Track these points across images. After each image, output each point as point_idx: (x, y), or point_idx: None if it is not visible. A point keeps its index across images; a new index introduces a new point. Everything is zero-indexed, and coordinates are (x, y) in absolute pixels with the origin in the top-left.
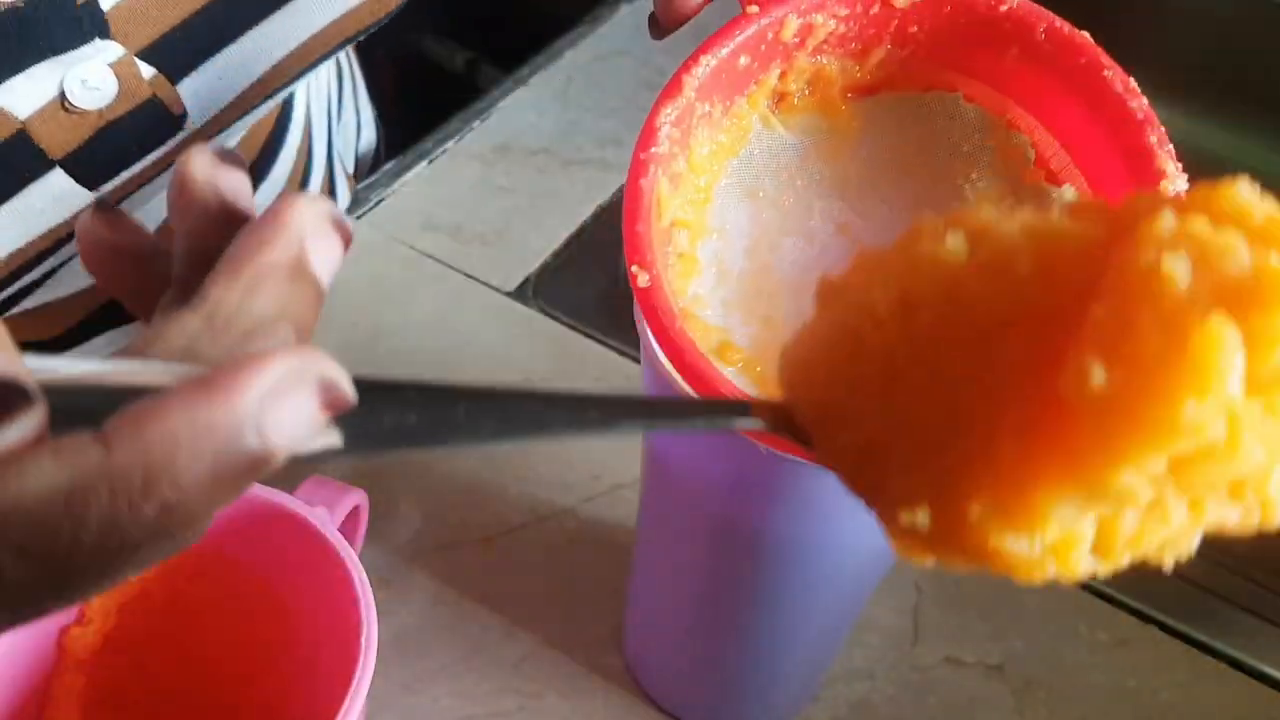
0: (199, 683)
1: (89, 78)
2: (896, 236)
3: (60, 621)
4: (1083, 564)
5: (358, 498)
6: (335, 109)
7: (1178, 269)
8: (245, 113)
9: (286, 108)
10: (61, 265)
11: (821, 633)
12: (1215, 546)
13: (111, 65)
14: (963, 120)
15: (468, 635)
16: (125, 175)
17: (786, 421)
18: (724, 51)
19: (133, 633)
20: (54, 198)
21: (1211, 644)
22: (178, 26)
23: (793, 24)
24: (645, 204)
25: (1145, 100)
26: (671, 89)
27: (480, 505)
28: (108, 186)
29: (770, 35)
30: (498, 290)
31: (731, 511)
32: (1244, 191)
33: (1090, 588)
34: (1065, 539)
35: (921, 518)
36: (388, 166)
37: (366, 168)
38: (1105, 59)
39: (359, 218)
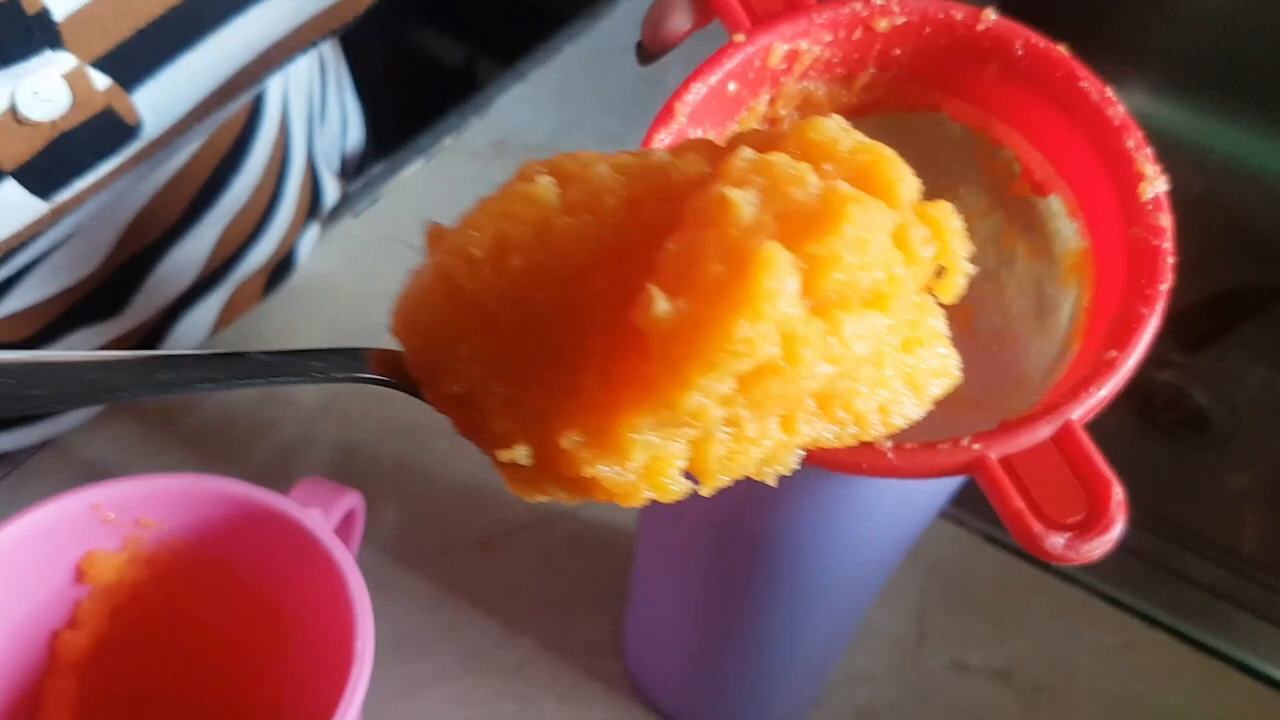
0: (192, 687)
1: (41, 89)
2: None
3: (52, 625)
4: (676, 485)
5: (354, 500)
6: (318, 106)
7: (742, 200)
8: (206, 118)
9: (258, 102)
10: (29, 272)
11: (823, 637)
12: (1224, 549)
13: (64, 76)
14: (948, 138)
15: (465, 639)
16: (80, 185)
17: (400, 373)
18: (713, 79)
19: (125, 637)
20: (7, 208)
21: (1220, 648)
22: (132, 36)
23: (779, 51)
24: None
25: (1122, 107)
26: (664, 116)
27: (478, 507)
28: (62, 196)
29: (757, 63)
30: None
31: (733, 516)
32: (831, 124)
33: (1097, 591)
34: (655, 463)
35: (521, 454)
36: (380, 167)
37: (355, 166)
38: (1081, 70)
39: (356, 216)
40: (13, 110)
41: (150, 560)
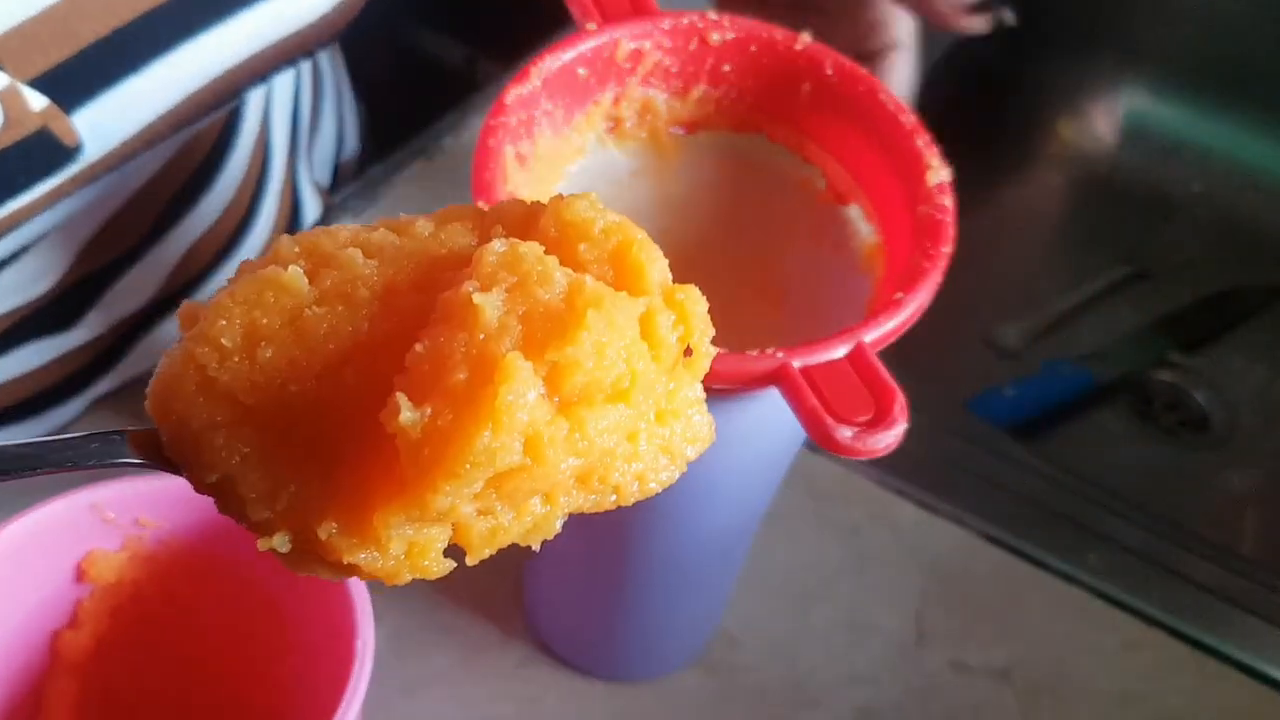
0: (193, 687)
1: None
2: (706, 248)
3: (53, 625)
4: (438, 565)
5: None
6: (307, 121)
7: (487, 304)
8: (154, 143)
9: (234, 119)
10: None
11: (698, 574)
12: (1223, 549)
13: None
14: (767, 155)
15: (465, 639)
16: (14, 205)
17: (158, 454)
18: (566, 56)
19: (126, 637)
20: None
21: (1219, 648)
22: (73, 57)
23: (625, 47)
24: (494, 159)
25: (913, 115)
26: (520, 77)
27: None
28: None
29: (606, 54)
30: None
31: None
32: (584, 205)
33: (1096, 591)
34: (415, 548)
35: (280, 543)
36: (380, 168)
37: (349, 176)
38: (880, 85)
39: (355, 217)
40: None
41: (150, 560)
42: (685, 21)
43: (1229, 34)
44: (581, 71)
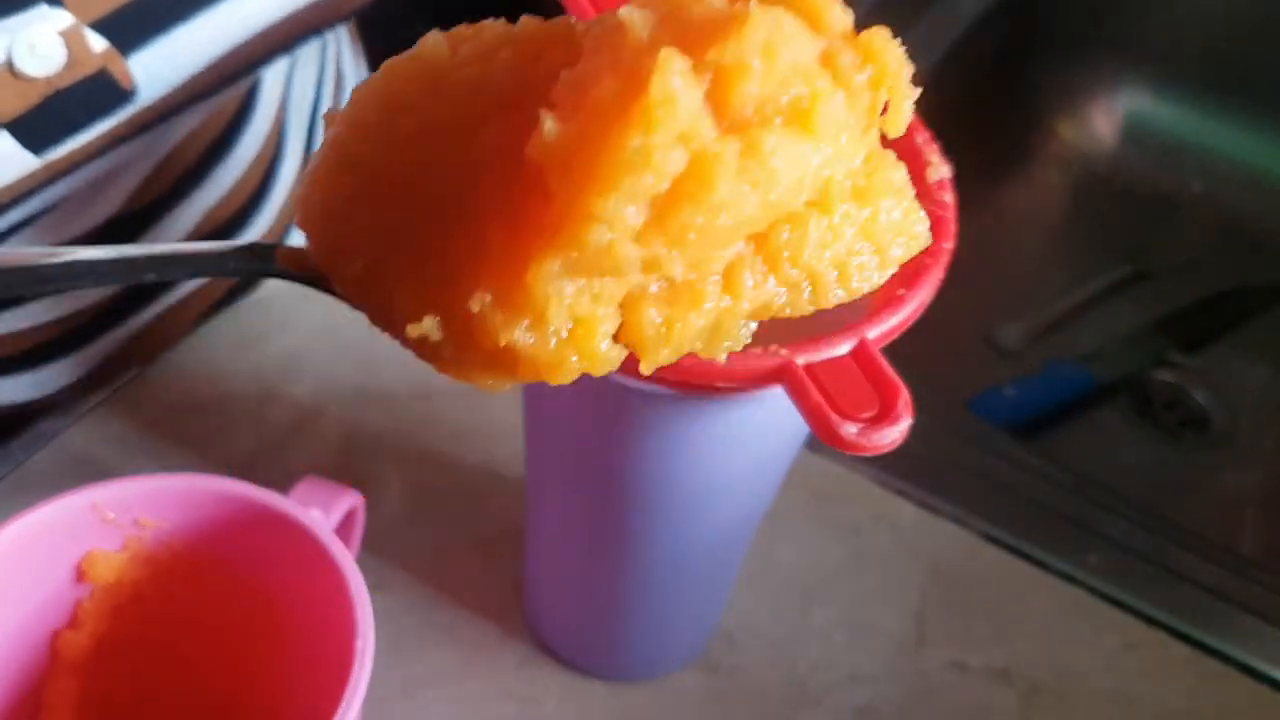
0: (194, 687)
1: (37, 44)
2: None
3: (52, 625)
4: (608, 352)
5: (354, 499)
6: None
7: (635, 17)
8: (201, 95)
9: (250, 98)
10: (15, 235)
11: (700, 570)
12: (1224, 549)
13: (61, 33)
14: None
15: (465, 639)
16: (72, 144)
17: (304, 265)
18: None
19: (126, 637)
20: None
21: (1220, 648)
22: (132, 2)
23: None
24: None
25: (912, 112)
26: None
27: (478, 508)
28: (54, 153)
29: None
30: None
31: (603, 453)
32: None
33: (1097, 591)
34: (580, 327)
35: (430, 327)
36: None
37: None
38: None
39: None
40: (9, 64)
41: (150, 560)
42: None
43: (1229, 34)
44: None
